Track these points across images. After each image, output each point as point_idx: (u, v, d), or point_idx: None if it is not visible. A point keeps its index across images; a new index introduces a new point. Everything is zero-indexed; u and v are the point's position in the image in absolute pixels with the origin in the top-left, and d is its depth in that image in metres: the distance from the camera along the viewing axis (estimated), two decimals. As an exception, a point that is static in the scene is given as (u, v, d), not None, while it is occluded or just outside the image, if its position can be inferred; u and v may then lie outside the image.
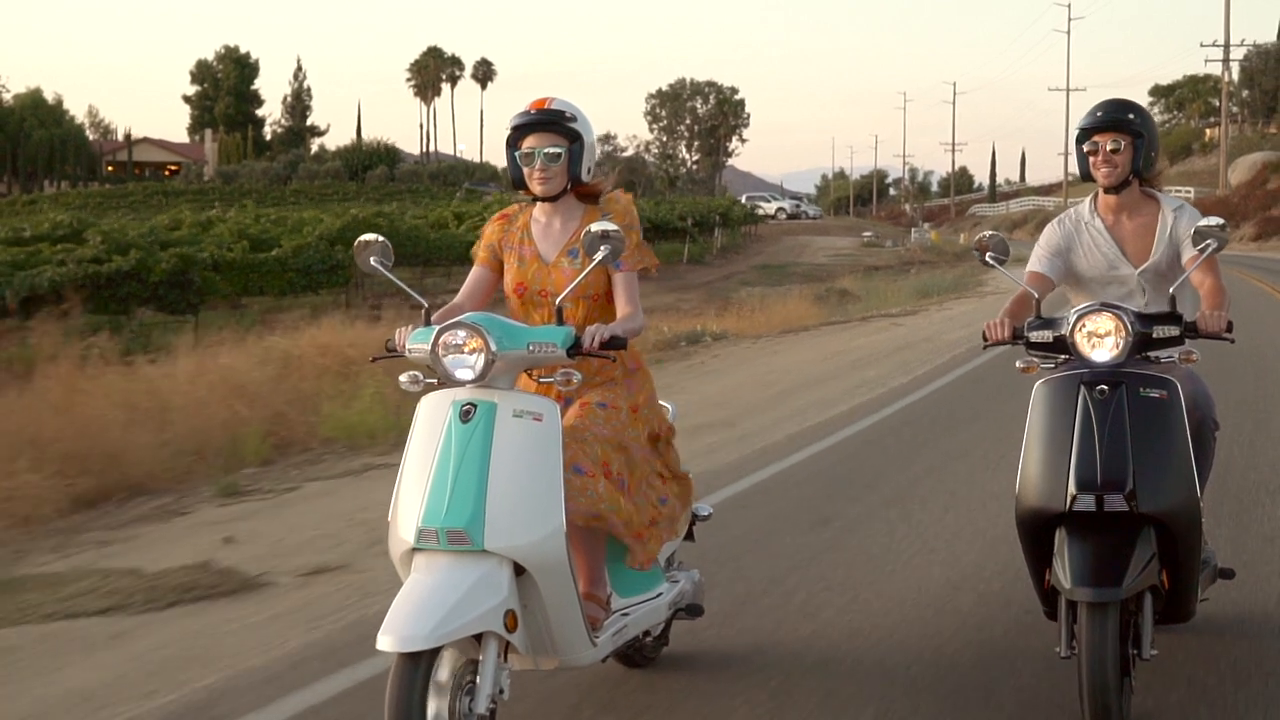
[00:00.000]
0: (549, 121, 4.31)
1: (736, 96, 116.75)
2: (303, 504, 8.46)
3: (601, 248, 4.01)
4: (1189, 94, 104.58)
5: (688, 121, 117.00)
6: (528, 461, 3.83)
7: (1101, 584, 3.89)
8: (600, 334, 4.02)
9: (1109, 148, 4.69)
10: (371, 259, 4.22)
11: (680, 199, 61.98)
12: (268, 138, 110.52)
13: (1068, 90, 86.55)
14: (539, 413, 3.90)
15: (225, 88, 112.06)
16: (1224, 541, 6.13)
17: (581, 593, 4.05)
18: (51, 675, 5.27)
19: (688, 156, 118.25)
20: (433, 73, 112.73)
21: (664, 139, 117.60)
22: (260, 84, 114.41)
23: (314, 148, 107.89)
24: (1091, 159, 4.74)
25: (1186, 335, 4.29)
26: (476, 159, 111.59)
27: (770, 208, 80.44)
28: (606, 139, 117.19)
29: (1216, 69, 79.28)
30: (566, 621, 3.94)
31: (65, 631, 5.85)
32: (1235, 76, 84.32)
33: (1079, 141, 4.76)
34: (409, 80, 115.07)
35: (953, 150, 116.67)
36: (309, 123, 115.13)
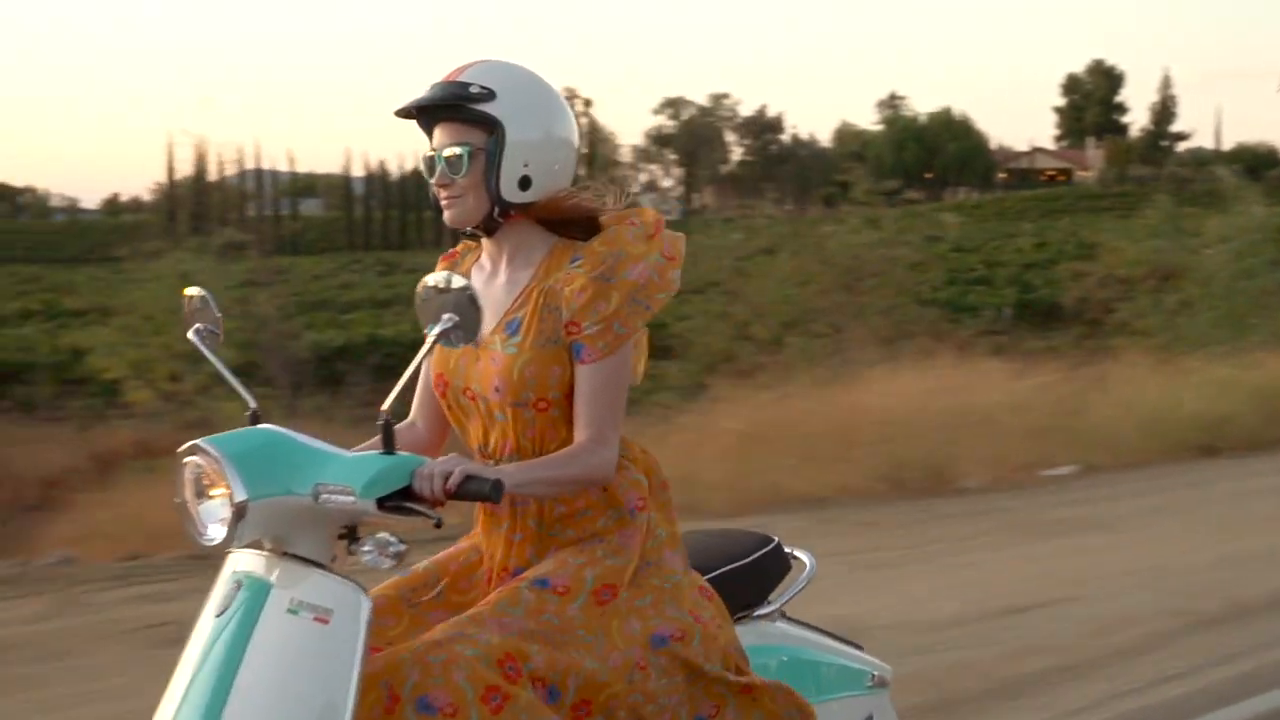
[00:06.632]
0: (449, 105, 2.43)
1: None
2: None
3: (443, 318, 2.16)
4: None
5: None
6: (287, 688, 2.21)
7: None
8: (448, 473, 2.17)
9: None
10: (192, 331, 2.59)
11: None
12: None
13: None
14: (327, 610, 2.21)
15: (1095, 99, 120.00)
16: None
17: None
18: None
19: None
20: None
21: None
22: (1125, 94, 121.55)
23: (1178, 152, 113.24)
24: None
25: None
26: None
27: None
28: None
29: None
30: None
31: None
32: None
33: None
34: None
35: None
36: (1170, 129, 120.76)
